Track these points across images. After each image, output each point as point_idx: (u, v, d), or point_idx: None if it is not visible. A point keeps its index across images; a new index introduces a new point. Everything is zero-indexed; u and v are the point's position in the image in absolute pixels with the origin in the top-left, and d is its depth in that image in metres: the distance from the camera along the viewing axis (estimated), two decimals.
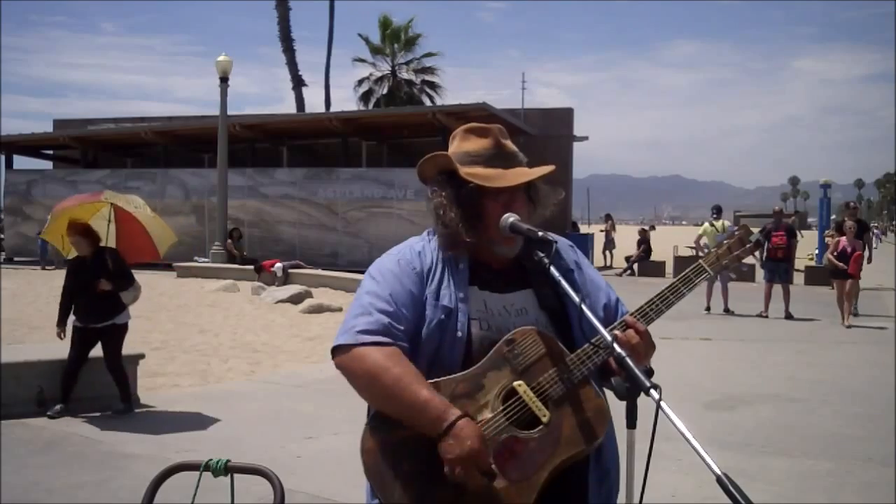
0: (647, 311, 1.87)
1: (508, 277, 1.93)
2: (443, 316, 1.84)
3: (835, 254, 12.57)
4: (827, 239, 25.84)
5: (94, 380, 6.59)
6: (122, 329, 6.59)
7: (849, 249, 12.23)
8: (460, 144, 1.95)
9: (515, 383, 1.77)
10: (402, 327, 1.82)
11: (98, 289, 6.41)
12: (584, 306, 1.76)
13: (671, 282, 1.91)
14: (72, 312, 6.53)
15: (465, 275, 1.90)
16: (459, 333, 1.83)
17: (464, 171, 1.88)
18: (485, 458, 1.68)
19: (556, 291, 1.88)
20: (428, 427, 1.71)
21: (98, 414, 6.45)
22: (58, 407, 6.33)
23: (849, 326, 11.82)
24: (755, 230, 18.43)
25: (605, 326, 1.76)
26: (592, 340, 1.79)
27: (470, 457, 1.67)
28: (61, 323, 6.50)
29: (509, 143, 1.95)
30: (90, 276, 6.44)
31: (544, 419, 1.75)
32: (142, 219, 7.01)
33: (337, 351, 1.83)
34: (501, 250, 1.90)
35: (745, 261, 2.04)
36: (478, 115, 20.44)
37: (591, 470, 1.86)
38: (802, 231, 19.52)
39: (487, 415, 1.76)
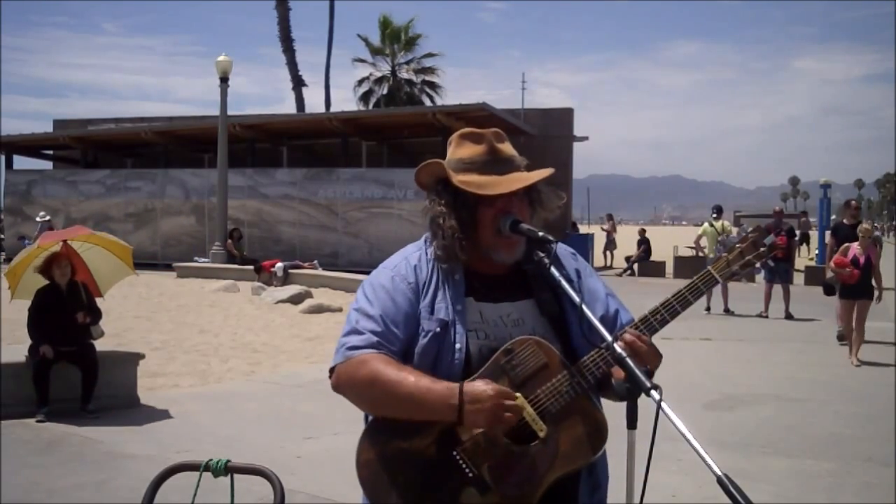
0: (650, 321, 1.82)
1: (507, 287, 1.90)
2: (438, 329, 1.82)
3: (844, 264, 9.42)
4: (829, 241, 25.70)
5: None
6: (93, 348, 6.64)
7: (861, 259, 9.25)
8: (455, 151, 1.92)
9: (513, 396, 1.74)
10: (393, 348, 1.81)
11: (78, 321, 6.51)
12: (584, 307, 1.74)
13: (678, 290, 1.85)
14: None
15: (461, 286, 1.87)
16: (458, 345, 1.80)
17: (457, 178, 1.85)
18: (508, 392, 1.67)
19: (557, 295, 1.86)
20: (439, 411, 1.70)
21: (98, 414, 6.45)
22: (41, 415, 6.24)
23: (859, 364, 9.03)
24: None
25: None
26: (602, 345, 1.74)
27: (497, 404, 1.65)
28: (39, 343, 6.38)
29: (505, 148, 1.90)
30: (65, 306, 6.52)
31: (541, 434, 1.72)
32: (86, 258, 7.01)
33: (333, 373, 1.84)
34: (500, 257, 1.86)
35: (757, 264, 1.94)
36: (478, 116, 20.46)
37: (583, 482, 1.84)
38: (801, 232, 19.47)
39: (484, 429, 1.74)
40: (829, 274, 9.74)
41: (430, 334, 1.82)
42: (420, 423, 1.75)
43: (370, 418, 1.84)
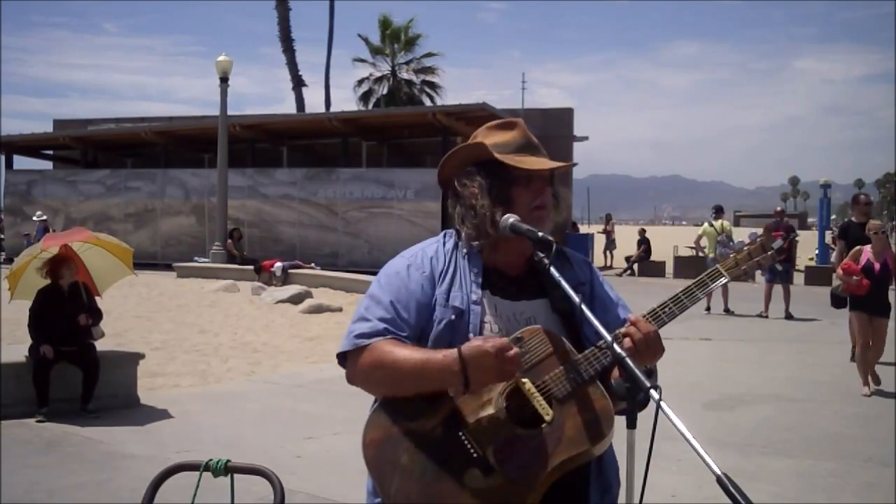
0: (659, 313, 1.84)
1: (522, 286, 1.93)
2: (453, 317, 1.85)
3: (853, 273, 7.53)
4: (829, 240, 25.61)
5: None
6: (94, 348, 6.65)
7: (876, 266, 7.49)
8: (485, 139, 1.97)
9: (520, 381, 1.77)
10: (403, 334, 1.84)
11: (81, 323, 6.54)
12: (583, 306, 1.75)
13: (687, 285, 1.86)
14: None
15: (479, 279, 1.91)
16: (471, 334, 1.83)
17: (500, 156, 1.90)
18: (506, 342, 1.68)
19: (568, 296, 1.87)
20: (445, 380, 1.73)
21: (98, 414, 6.45)
22: (41, 415, 6.26)
23: (871, 394, 7.44)
24: (757, 230, 18.37)
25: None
26: (599, 343, 1.78)
27: (498, 354, 1.67)
28: (39, 343, 6.38)
29: (533, 136, 1.99)
30: (66, 306, 6.53)
31: (547, 418, 1.74)
32: (85, 258, 7.01)
33: (340, 360, 1.89)
34: (535, 227, 1.88)
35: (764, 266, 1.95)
36: (478, 116, 20.45)
37: (593, 483, 1.85)
38: (801, 231, 19.43)
39: (490, 412, 1.76)
40: (836, 282, 8.13)
41: (444, 322, 1.85)
42: (426, 404, 1.77)
43: (378, 400, 1.87)
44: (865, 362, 7.58)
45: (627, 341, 1.74)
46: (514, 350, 1.68)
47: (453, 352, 1.71)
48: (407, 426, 1.77)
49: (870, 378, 7.56)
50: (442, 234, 2.03)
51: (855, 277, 7.48)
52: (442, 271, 1.91)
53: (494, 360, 1.67)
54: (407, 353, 1.77)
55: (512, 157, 1.90)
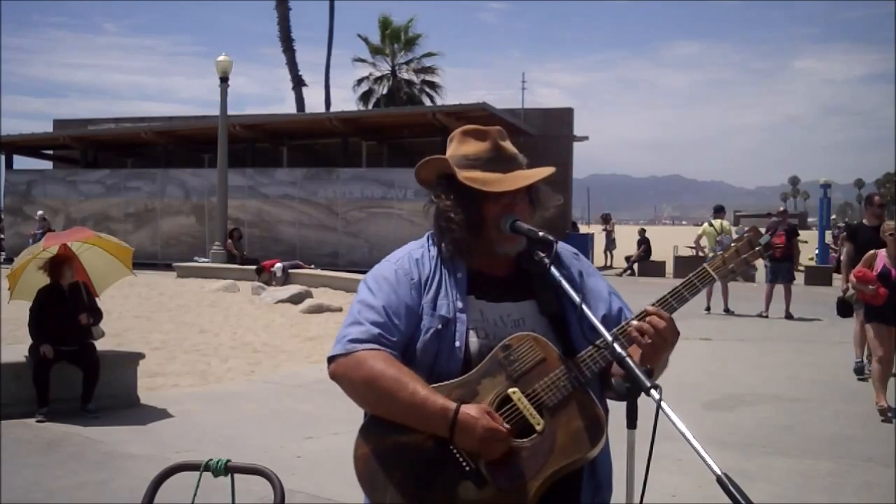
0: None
1: (508, 287, 1.91)
2: (440, 326, 1.83)
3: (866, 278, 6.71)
4: (829, 240, 25.50)
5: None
6: (94, 347, 6.65)
7: (893, 272, 6.65)
8: (458, 147, 1.94)
9: (510, 390, 1.76)
10: (393, 339, 1.82)
11: (82, 322, 6.54)
12: (584, 306, 1.74)
13: (674, 287, 1.85)
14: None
15: (463, 284, 1.89)
16: (457, 343, 1.82)
17: (462, 175, 1.87)
18: (499, 431, 1.69)
19: (558, 295, 1.86)
20: (431, 426, 1.72)
21: (98, 414, 6.45)
22: (41, 415, 6.25)
23: (887, 408, 6.66)
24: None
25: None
26: (598, 342, 1.75)
27: (486, 438, 1.68)
28: (39, 343, 6.36)
29: (508, 146, 1.93)
30: (66, 306, 6.54)
31: (538, 427, 1.73)
32: (83, 258, 7.00)
33: (331, 361, 1.86)
34: (503, 249, 1.88)
35: (754, 263, 1.93)
36: (478, 116, 20.44)
37: (586, 482, 1.84)
38: (801, 231, 19.29)
39: None
40: (850, 290, 7.45)
41: (431, 331, 1.83)
42: None
43: (369, 413, 1.85)
44: (882, 376, 6.85)
45: (648, 328, 1.73)
46: (503, 442, 1.69)
47: (450, 407, 1.71)
48: (398, 440, 1.76)
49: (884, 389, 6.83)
50: (426, 236, 2.00)
51: (871, 286, 6.70)
52: (428, 278, 1.89)
53: (479, 441, 1.68)
54: (403, 385, 1.74)
55: (477, 176, 1.86)
